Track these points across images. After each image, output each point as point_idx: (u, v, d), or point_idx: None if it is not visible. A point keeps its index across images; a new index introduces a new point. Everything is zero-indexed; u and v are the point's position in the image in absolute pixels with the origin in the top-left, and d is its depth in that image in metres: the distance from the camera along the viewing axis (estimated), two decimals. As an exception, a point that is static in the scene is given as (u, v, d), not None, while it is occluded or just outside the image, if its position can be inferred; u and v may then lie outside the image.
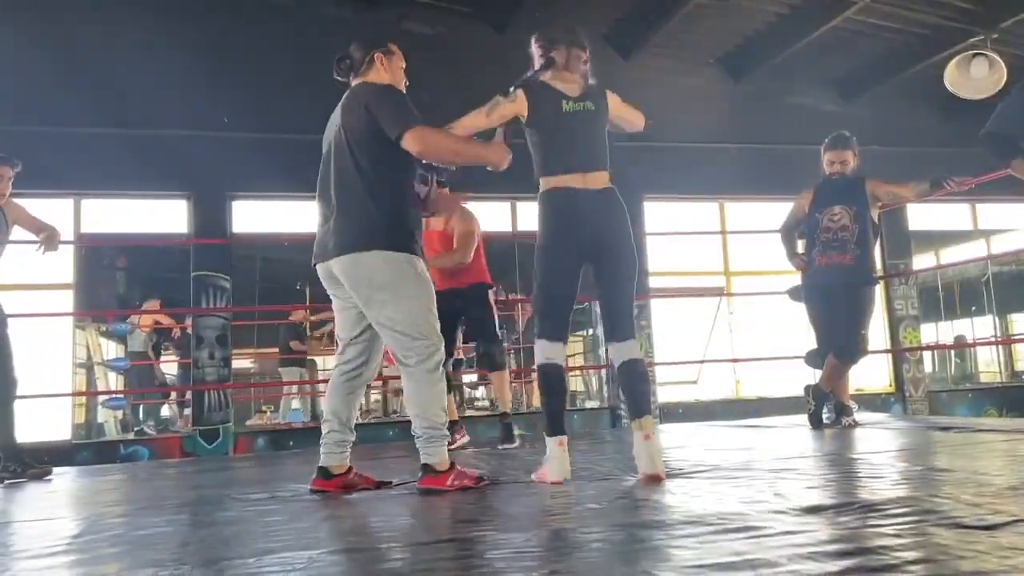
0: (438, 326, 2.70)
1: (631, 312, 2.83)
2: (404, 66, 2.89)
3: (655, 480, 2.58)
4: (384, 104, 2.65)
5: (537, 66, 2.89)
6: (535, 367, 2.86)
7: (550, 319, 2.83)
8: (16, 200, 4.18)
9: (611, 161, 2.87)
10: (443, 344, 2.71)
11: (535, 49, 2.93)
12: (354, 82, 2.82)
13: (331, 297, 2.84)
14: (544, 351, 2.80)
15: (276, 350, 10.04)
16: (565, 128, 2.81)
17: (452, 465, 2.68)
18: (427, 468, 2.65)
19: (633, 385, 2.79)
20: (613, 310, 2.82)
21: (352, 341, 2.81)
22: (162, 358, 9.57)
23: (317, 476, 2.80)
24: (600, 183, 2.80)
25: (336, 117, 2.78)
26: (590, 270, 2.83)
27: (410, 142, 2.59)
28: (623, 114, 2.98)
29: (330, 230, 2.70)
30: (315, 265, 2.78)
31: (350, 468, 2.84)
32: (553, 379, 2.79)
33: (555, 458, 2.70)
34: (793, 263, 4.73)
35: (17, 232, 4.21)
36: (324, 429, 2.83)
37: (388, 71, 2.82)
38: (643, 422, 2.68)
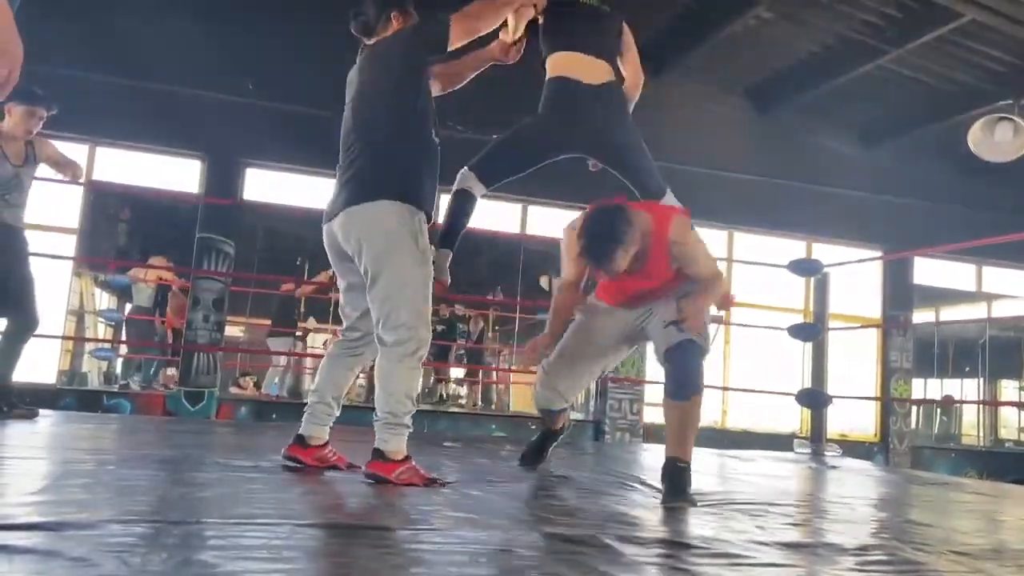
0: (429, 314, 2.57)
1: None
2: None
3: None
4: (416, 27, 2.66)
5: None
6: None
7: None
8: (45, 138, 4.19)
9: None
10: (429, 339, 2.57)
11: None
12: (371, 43, 2.72)
13: (337, 271, 2.72)
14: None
15: (268, 321, 9.99)
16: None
17: (407, 458, 2.53)
18: (378, 453, 2.52)
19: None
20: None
21: (362, 316, 2.67)
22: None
23: (293, 443, 2.71)
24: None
25: (353, 75, 2.72)
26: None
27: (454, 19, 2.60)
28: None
29: (341, 186, 2.61)
30: (324, 227, 2.66)
31: (327, 443, 2.75)
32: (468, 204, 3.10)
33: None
34: None
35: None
36: (312, 399, 2.74)
37: None
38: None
